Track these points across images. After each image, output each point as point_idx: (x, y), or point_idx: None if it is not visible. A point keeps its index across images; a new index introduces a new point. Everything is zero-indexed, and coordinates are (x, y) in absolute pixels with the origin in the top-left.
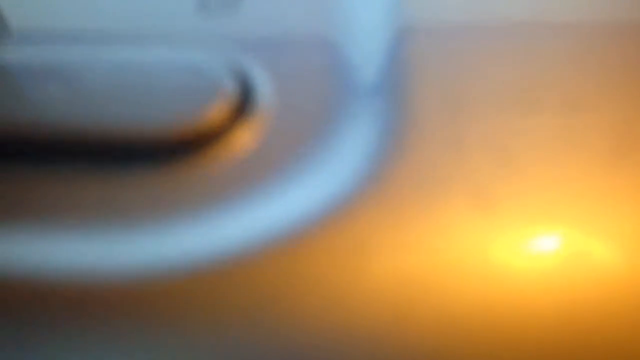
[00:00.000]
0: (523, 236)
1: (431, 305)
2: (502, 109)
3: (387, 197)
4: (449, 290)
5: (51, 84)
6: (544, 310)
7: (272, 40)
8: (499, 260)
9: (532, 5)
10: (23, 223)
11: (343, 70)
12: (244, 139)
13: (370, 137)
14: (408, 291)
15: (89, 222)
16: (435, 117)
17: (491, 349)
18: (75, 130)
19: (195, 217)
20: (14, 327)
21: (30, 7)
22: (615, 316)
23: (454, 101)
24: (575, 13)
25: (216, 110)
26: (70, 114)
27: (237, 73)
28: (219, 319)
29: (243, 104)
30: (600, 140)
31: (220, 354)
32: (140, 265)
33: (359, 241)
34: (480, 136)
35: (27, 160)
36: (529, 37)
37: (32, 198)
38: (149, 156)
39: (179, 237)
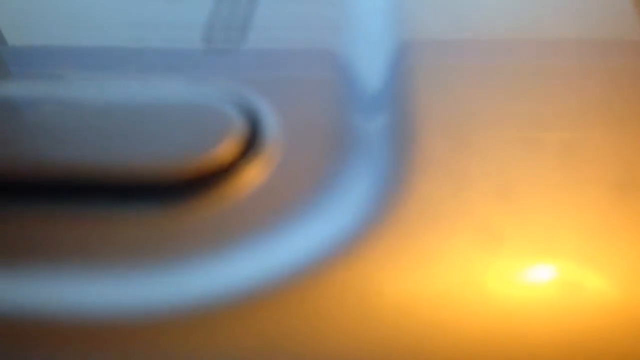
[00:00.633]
0: (524, 272)
1: (435, 337)
2: (504, 139)
3: (392, 235)
4: (451, 326)
5: (57, 121)
6: (542, 343)
7: (277, 64)
8: (500, 296)
9: (533, 21)
10: (29, 263)
11: (348, 91)
12: (252, 176)
13: (375, 174)
14: (412, 326)
15: (96, 262)
16: (438, 152)
17: None
18: (83, 170)
19: (203, 257)
20: None
21: (29, 24)
22: (611, 347)
23: (455, 129)
24: (576, 30)
25: (225, 148)
26: (77, 152)
27: (245, 109)
28: (225, 357)
29: (251, 140)
30: (601, 174)
31: None
32: (147, 306)
33: (365, 279)
34: (482, 170)
35: (34, 200)
36: (529, 53)
37: (40, 238)
38: (158, 195)
39: (187, 278)
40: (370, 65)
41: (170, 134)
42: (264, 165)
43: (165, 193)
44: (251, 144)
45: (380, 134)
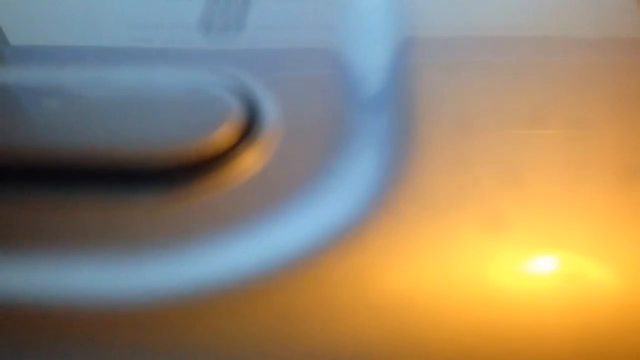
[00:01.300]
0: (526, 261)
1: (436, 327)
2: (506, 124)
3: (393, 221)
4: (452, 315)
5: (56, 107)
6: (545, 332)
7: (277, 59)
8: (501, 284)
9: (534, 19)
10: (27, 248)
11: (348, 87)
12: (251, 161)
13: (375, 159)
14: (414, 313)
15: (93, 247)
16: (440, 136)
17: None
18: (81, 155)
19: (200, 242)
20: (17, 351)
21: (31, 24)
22: (614, 337)
23: (458, 118)
24: (578, 28)
25: (222, 134)
26: (75, 138)
27: (243, 95)
28: (224, 343)
29: (249, 125)
30: (605, 160)
31: None
32: (145, 291)
33: (366, 264)
34: (486, 153)
35: (32, 185)
36: (531, 50)
37: (37, 223)
38: (156, 180)
39: (185, 263)
40: (371, 60)
41: (169, 120)
42: (262, 151)
43: (163, 178)
44: (249, 130)
45: (380, 123)
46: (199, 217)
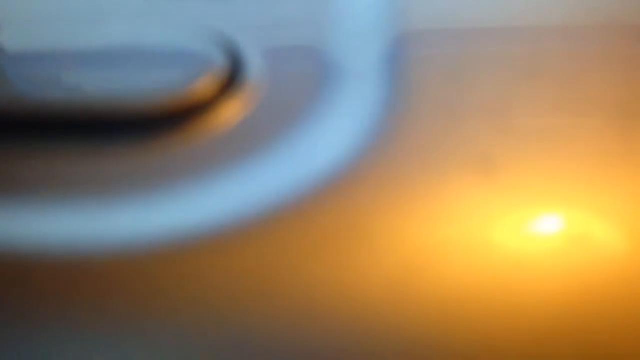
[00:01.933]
0: (523, 206)
1: (423, 274)
2: (500, 78)
3: (382, 168)
4: (448, 267)
5: (38, 62)
6: (545, 290)
7: (265, 19)
8: (498, 236)
9: (527, 9)
10: (7, 197)
11: (336, 51)
12: (232, 112)
13: (362, 112)
14: (402, 260)
15: (79, 194)
16: (432, 86)
17: (490, 328)
18: (68, 106)
19: (182, 189)
20: None
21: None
22: (617, 297)
23: (450, 75)
24: (569, 17)
25: (204, 84)
26: (58, 89)
27: (227, 49)
28: (205, 291)
29: (232, 78)
30: (602, 108)
31: (204, 325)
32: (126, 238)
33: (349, 214)
34: (478, 101)
35: (14, 136)
36: (525, 40)
37: (20, 172)
38: (137, 129)
39: (166, 210)
40: (360, 49)
41: (153, 71)
42: (245, 102)
43: (145, 127)
44: (232, 82)
45: (369, 72)
46: (181, 165)
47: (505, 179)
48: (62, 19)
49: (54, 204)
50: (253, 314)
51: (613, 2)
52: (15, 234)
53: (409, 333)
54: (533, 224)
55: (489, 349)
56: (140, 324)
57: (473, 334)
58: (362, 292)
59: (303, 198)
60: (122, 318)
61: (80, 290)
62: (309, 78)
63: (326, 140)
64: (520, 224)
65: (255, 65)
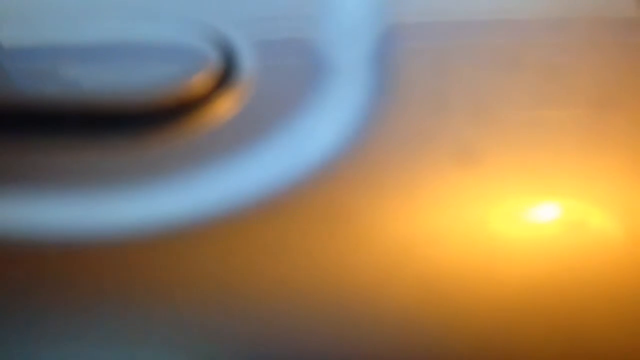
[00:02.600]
0: (505, 194)
1: (410, 260)
2: (486, 70)
3: (368, 160)
4: (436, 255)
5: (33, 56)
6: (531, 278)
7: (257, 14)
8: (480, 222)
9: (514, 2)
10: (9, 188)
11: (326, 45)
12: (226, 106)
13: (352, 104)
14: (390, 247)
15: (74, 186)
16: (419, 78)
17: (479, 316)
18: (65, 102)
19: (177, 181)
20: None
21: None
22: (612, 284)
23: (438, 67)
24: (555, 9)
25: (198, 80)
26: (52, 84)
27: (221, 44)
28: (199, 279)
29: (226, 73)
30: (585, 96)
31: (200, 312)
32: (123, 228)
33: (340, 203)
34: (465, 93)
35: (10, 129)
36: (512, 33)
37: (17, 165)
38: (133, 123)
39: (161, 201)
40: (350, 42)
41: (148, 67)
42: (239, 96)
43: (141, 122)
44: (226, 77)
45: (358, 65)
46: (175, 158)
47: (491, 169)
48: (56, 13)
49: (50, 196)
50: (248, 300)
51: None
52: (13, 223)
53: (399, 318)
54: (520, 212)
55: (478, 336)
56: (135, 312)
57: (461, 323)
58: (351, 278)
59: (296, 188)
60: (118, 307)
61: (77, 279)
62: (301, 72)
63: (318, 133)
64: (507, 212)
65: (248, 59)
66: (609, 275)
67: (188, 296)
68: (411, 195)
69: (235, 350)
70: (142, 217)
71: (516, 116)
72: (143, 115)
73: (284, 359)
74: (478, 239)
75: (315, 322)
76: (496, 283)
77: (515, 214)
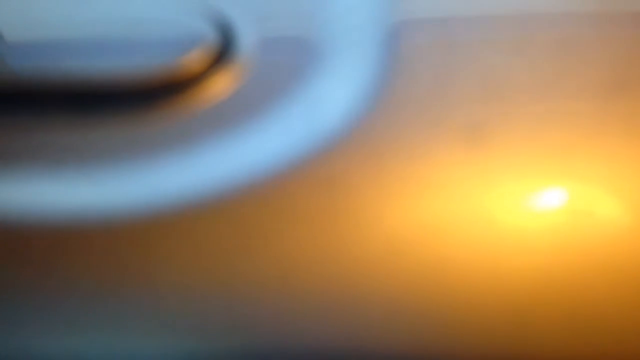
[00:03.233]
0: (513, 174)
1: (413, 238)
2: (494, 49)
3: (371, 137)
4: (439, 236)
5: (31, 36)
6: (535, 260)
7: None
8: (490, 205)
9: None
10: (5, 167)
11: (326, 21)
12: (223, 84)
13: (353, 81)
14: (395, 224)
15: (69, 165)
16: (425, 57)
17: (482, 300)
18: (57, 78)
19: (173, 158)
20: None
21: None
22: (617, 272)
23: (444, 41)
24: (563, 4)
25: (195, 57)
26: (51, 63)
27: (219, 22)
28: (194, 254)
29: (223, 51)
30: (598, 85)
31: (201, 287)
32: (121, 204)
33: (341, 181)
34: (471, 73)
35: (9, 108)
36: (517, 28)
37: (14, 144)
38: (129, 101)
39: (158, 178)
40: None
41: (145, 44)
42: (236, 74)
43: (138, 99)
44: (223, 54)
45: (360, 43)
46: (173, 134)
47: (497, 151)
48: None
49: (47, 172)
50: (243, 277)
51: None
52: (6, 202)
53: (404, 299)
54: (526, 193)
55: (480, 322)
56: (135, 287)
57: (464, 308)
58: (350, 258)
59: (293, 167)
60: (118, 281)
61: (65, 258)
62: (300, 50)
63: (316, 112)
64: (512, 192)
65: (246, 37)
66: (617, 261)
67: (187, 272)
68: (414, 177)
69: (238, 331)
70: (140, 195)
71: (523, 106)
72: (140, 92)
73: (286, 338)
74: (478, 221)
75: (312, 300)
76: (503, 259)
77: (523, 197)
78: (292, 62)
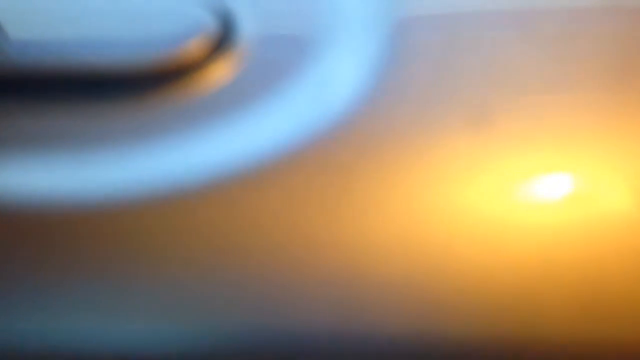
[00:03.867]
0: (518, 159)
1: (418, 225)
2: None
3: (373, 126)
4: (440, 224)
5: (33, 22)
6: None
7: None
8: (487, 182)
9: None
10: (7, 152)
11: (325, 9)
12: (223, 71)
13: (353, 67)
14: (398, 211)
15: (70, 149)
16: (428, 51)
17: (489, 286)
18: (59, 64)
19: (174, 144)
20: None
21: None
22: (624, 258)
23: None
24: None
25: (196, 45)
26: (54, 49)
27: (220, 10)
28: (195, 240)
29: (223, 38)
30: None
31: (201, 271)
32: (121, 190)
33: (342, 169)
34: (474, 65)
35: (13, 93)
36: (520, 24)
37: (17, 129)
38: (130, 87)
39: (158, 163)
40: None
41: (146, 30)
42: (237, 61)
43: (139, 85)
44: (223, 40)
45: (360, 31)
46: (173, 120)
47: (501, 140)
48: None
49: (47, 158)
50: (244, 260)
51: None
52: (8, 186)
53: (411, 282)
54: (529, 179)
55: (485, 307)
56: (131, 271)
57: (469, 293)
58: (352, 243)
59: (293, 152)
60: (114, 266)
61: (66, 242)
62: (301, 37)
63: (317, 99)
64: (515, 179)
65: (245, 25)
66: (623, 247)
67: (187, 257)
68: (417, 168)
69: (238, 313)
70: (140, 180)
71: (528, 98)
72: (141, 78)
73: (286, 320)
74: (488, 210)
75: (317, 285)
76: (508, 244)
77: (525, 182)
78: (293, 50)
